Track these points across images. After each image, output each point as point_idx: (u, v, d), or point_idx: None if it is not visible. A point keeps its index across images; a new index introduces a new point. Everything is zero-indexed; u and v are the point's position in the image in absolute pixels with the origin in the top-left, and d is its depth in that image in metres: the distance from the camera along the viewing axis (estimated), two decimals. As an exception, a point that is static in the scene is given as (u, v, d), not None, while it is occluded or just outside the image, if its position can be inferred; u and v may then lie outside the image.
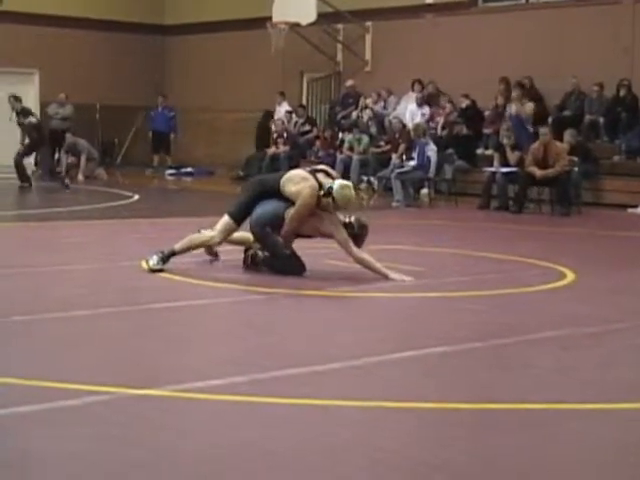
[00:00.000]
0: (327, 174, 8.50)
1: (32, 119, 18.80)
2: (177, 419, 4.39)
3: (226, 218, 8.38)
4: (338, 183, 8.24)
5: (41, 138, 19.14)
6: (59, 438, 4.04)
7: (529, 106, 18.28)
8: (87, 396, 4.57)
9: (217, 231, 8.40)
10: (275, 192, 8.32)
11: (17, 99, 19.04)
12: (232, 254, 8.86)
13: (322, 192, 8.16)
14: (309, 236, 8.46)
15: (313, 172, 8.44)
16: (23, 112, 18.86)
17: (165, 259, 8.23)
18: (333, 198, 8.14)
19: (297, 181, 8.28)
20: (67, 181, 18.63)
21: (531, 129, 17.74)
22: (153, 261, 8.19)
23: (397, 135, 18.66)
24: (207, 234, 8.48)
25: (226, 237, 8.46)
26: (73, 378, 4.86)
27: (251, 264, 8.50)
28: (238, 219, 8.36)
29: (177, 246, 8.39)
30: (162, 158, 24.16)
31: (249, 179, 8.95)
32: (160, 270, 8.13)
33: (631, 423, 4.52)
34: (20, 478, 3.60)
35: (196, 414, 4.47)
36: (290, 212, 8.19)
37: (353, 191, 8.35)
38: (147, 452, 3.92)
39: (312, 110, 23.20)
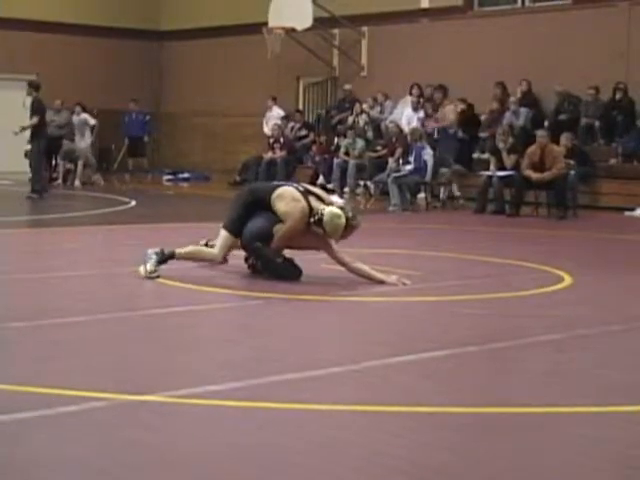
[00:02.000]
0: (319, 198, 8.37)
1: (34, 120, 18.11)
2: (175, 424, 4.40)
3: (224, 233, 8.35)
4: (329, 212, 8.08)
5: (42, 122, 18.01)
6: (58, 444, 4.05)
7: (449, 109, 18.30)
8: (85, 402, 4.57)
9: (218, 248, 8.37)
10: (266, 204, 8.27)
11: (33, 86, 18.53)
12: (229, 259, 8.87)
13: (312, 219, 8.08)
14: (299, 248, 8.44)
15: (306, 193, 8.31)
16: (36, 102, 18.26)
17: (163, 260, 8.21)
18: (322, 225, 8.10)
19: (288, 201, 8.17)
20: (45, 189, 17.89)
21: (459, 134, 17.91)
22: (151, 262, 8.15)
23: (394, 139, 18.68)
24: (211, 252, 8.42)
25: (227, 252, 8.44)
26: (71, 384, 4.86)
27: (253, 271, 8.53)
28: (235, 232, 8.33)
29: (179, 251, 8.35)
30: (138, 162, 24.19)
31: (241, 187, 8.80)
32: (157, 277, 8.13)
33: (627, 426, 4.53)
34: (19, 484, 3.62)
35: (194, 419, 4.48)
36: (278, 229, 8.17)
37: (344, 219, 8.11)
38: (146, 458, 3.93)
39: (308, 115, 23.23)
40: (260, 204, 8.31)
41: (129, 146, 24.32)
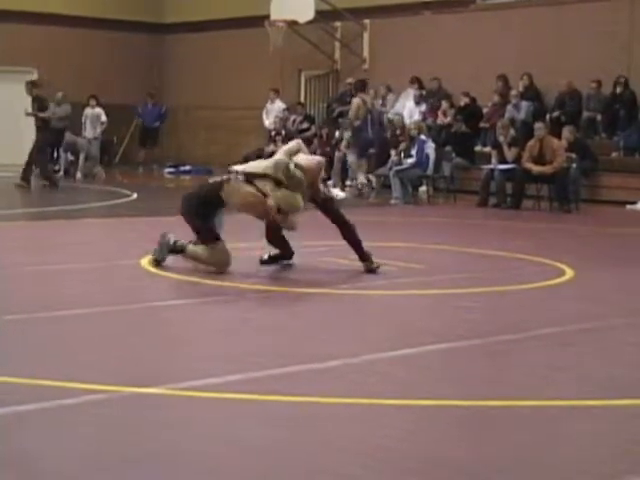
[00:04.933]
0: (260, 175, 8.20)
1: (45, 114, 18.68)
2: (176, 417, 4.39)
3: (206, 247, 8.14)
4: (270, 167, 8.11)
5: (45, 137, 18.88)
6: (58, 437, 4.05)
7: (355, 102, 18.42)
8: (85, 395, 4.57)
9: (210, 260, 8.14)
10: (215, 202, 8.13)
11: (34, 84, 18.98)
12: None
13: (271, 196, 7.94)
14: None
15: (250, 180, 8.17)
16: (37, 100, 18.75)
17: (173, 250, 8.21)
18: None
19: (250, 199, 8.02)
20: (56, 179, 18.44)
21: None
22: (162, 250, 8.22)
23: (398, 132, 18.65)
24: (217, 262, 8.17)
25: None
26: (71, 377, 4.86)
27: (266, 262, 8.53)
28: (218, 237, 8.20)
29: (190, 248, 8.27)
30: (149, 153, 24.23)
31: (182, 203, 8.34)
32: (159, 263, 8.17)
33: (628, 419, 4.52)
34: (19, 478, 3.60)
35: (195, 412, 4.47)
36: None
37: (283, 160, 8.09)
38: (146, 450, 3.92)
39: (310, 108, 23.20)
40: (209, 205, 8.16)
41: (141, 136, 24.36)
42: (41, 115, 18.58)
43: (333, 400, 4.65)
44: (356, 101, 18.50)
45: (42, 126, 18.71)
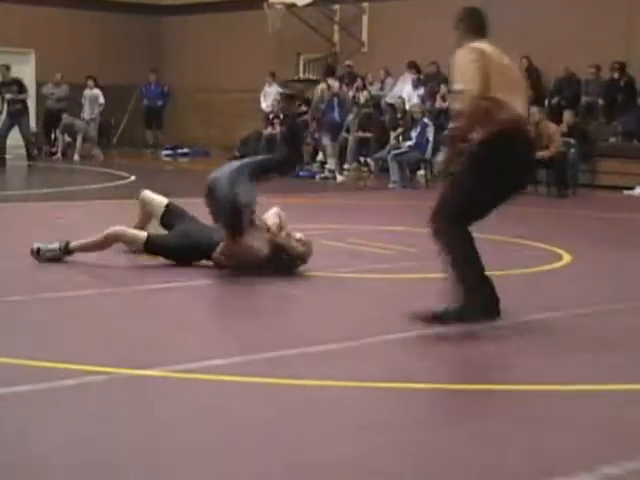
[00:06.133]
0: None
1: (24, 95, 18.96)
2: (174, 399, 4.41)
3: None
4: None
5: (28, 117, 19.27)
6: (56, 418, 4.06)
7: (318, 87, 18.53)
8: (84, 376, 4.58)
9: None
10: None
11: (7, 68, 19.18)
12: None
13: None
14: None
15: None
16: (17, 83, 18.96)
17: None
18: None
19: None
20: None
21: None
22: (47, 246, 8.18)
23: (400, 115, 18.63)
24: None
25: None
26: (70, 358, 4.87)
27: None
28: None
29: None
30: (155, 134, 24.22)
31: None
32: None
33: (627, 405, 4.54)
34: (18, 458, 3.62)
35: (193, 394, 4.49)
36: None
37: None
38: (145, 431, 3.94)
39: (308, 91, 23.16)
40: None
41: (146, 117, 24.32)
42: (23, 97, 18.90)
43: (331, 383, 4.67)
44: (320, 86, 18.66)
45: (24, 108, 19.05)
